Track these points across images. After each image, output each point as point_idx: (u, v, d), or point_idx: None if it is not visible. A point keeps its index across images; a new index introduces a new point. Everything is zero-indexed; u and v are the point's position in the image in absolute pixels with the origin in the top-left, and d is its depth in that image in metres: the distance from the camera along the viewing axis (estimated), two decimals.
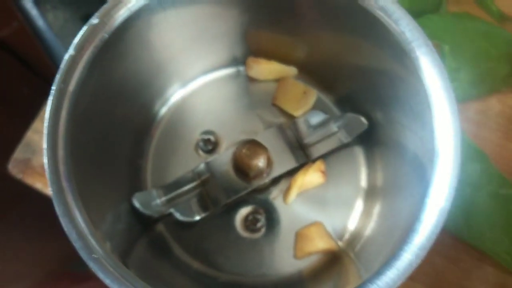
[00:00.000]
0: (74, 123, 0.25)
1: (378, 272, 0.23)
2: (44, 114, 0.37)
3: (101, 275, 0.22)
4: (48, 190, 0.36)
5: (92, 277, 0.22)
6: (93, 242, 0.23)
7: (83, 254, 0.23)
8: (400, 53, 0.26)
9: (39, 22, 0.45)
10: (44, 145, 0.24)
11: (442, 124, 0.24)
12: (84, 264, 0.23)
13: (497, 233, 0.36)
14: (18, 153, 0.38)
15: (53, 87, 0.25)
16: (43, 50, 0.46)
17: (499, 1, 0.42)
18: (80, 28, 0.25)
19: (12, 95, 0.65)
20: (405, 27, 0.25)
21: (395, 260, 0.23)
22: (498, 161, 0.38)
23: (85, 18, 0.44)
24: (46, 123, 0.24)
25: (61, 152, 0.24)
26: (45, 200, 0.69)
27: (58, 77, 0.25)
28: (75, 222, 0.23)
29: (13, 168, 0.38)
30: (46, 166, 0.24)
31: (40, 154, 0.38)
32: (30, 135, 0.39)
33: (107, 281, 0.22)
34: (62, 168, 0.24)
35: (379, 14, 0.25)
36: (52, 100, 0.25)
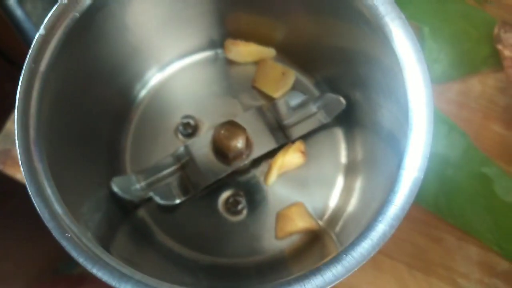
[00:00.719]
0: (46, 104, 0.25)
1: (353, 243, 0.23)
2: None
3: (74, 254, 0.22)
4: None
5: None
6: (66, 221, 0.23)
7: (56, 233, 0.23)
8: (373, 28, 0.26)
9: (17, 12, 0.44)
10: (15, 125, 0.24)
11: (416, 96, 0.24)
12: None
13: (479, 212, 0.37)
14: None
15: (24, 67, 0.25)
16: (22, 40, 0.45)
17: None
18: None
19: None
20: (378, 1, 0.25)
21: (370, 231, 0.23)
22: (480, 141, 0.38)
23: None
24: (16, 103, 0.24)
25: (32, 132, 0.24)
26: None
27: (28, 57, 0.25)
28: (48, 202, 0.23)
29: None
30: (17, 146, 0.23)
31: None
32: (9, 125, 0.38)
33: (80, 260, 0.22)
34: (33, 148, 0.24)
35: None
36: (22, 80, 0.24)
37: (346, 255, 0.22)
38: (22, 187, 0.39)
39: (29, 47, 0.45)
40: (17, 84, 0.24)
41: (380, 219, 0.23)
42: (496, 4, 0.42)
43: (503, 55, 0.38)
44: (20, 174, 0.38)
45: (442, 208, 0.37)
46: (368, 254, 0.22)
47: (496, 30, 0.39)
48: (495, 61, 0.40)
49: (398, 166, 0.24)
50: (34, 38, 0.43)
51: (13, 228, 0.77)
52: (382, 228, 0.23)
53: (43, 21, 0.43)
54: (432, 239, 0.36)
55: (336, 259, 0.22)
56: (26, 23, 0.44)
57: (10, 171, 0.38)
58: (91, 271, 0.22)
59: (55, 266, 0.96)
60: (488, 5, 0.42)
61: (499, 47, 0.38)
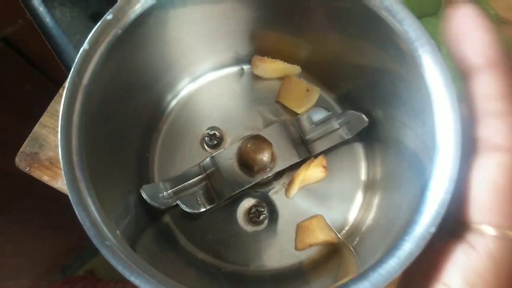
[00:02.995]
0: (87, 116, 0.26)
1: (380, 261, 0.24)
2: (51, 109, 0.39)
3: (113, 262, 0.23)
4: (55, 183, 0.37)
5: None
6: (105, 230, 0.24)
7: (96, 241, 0.24)
8: (402, 52, 0.27)
9: (46, 19, 0.45)
10: (59, 136, 0.25)
11: (443, 120, 0.25)
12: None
13: None
14: (26, 147, 0.39)
15: (68, 81, 0.26)
16: (50, 47, 0.46)
17: (496, 5, 0.43)
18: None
19: (15, 91, 0.66)
20: (409, 27, 0.26)
21: (396, 249, 0.24)
22: None
23: (93, 16, 0.45)
24: (60, 116, 0.25)
25: (74, 143, 0.25)
26: (47, 197, 0.69)
27: (72, 71, 0.26)
28: (89, 211, 0.24)
29: (20, 161, 0.39)
30: (60, 156, 0.24)
31: (47, 148, 0.39)
32: (37, 129, 0.39)
33: (119, 267, 0.23)
34: (75, 158, 0.25)
35: (384, 14, 0.26)
36: (66, 93, 0.25)
37: (374, 272, 0.23)
38: (37, 185, 0.40)
39: (56, 52, 0.46)
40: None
41: (406, 238, 0.24)
42: None
43: None
44: (46, 176, 0.39)
45: None
46: (395, 272, 0.23)
47: None
48: None
49: (423, 187, 0.25)
50: (62, 44, 0.45)
51: (25, 224, 0.78)
52: (408, 247, 0.23)
53: (71, 29, 0.45)
54: None
55: (364, 275, 0.23)
56: (55, 30, 0.45)
57: (36, 174, 0.39)
58: (129, 279, 0.23)
59: (65, 262, 0.97)
60: (505, 26, 0.43)
61: None
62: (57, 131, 0.37)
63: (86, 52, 0.26)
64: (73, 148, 0.25)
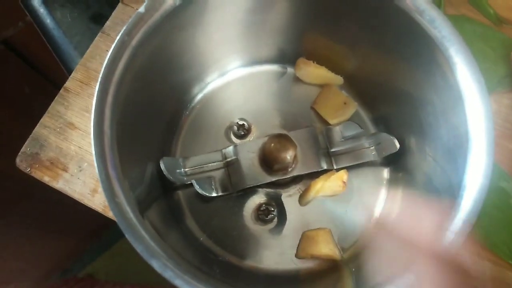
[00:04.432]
0: (128, 76, 0.27)
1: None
2: (52, 110, 0.39)
3: (119, 219, 0.24)
4: (55, 184, 0.37)
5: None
6: (118, 187, 0.25)
7: (107, 195, 0.24)
8: (450, 84, 0.27)
9: (47, 20, 0.46)
10: (96, 88, 0.25)
11: (475, 164, 0.25)
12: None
13: (496, 225, 0.37)
14: (26, 148, 0.39)
15: (117, 39, 0.26)
16: (51, 48, 0.47)
17: (495, 4, 0.43)
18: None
19: (15, 93, 0.67)
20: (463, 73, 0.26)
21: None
22: (496, 158, 0.38)
23: (94, 17, 0.45)
24: (102, 69, 0.26)
25: (110, 98, 0.26)
26: (48, 200, 0.71)
27: (123, 31, 0.26)
28: (106, 164, 0.25)
29: (21, 162, 0.38)
30: (94, 106, 0.25)
31: (48, 148, 0.38)
32: (38, 130, 0.39)
33: (122, 226, 0.24)
34: (107, 111, 0.25)
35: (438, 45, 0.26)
36: (113, 49, 0.26)
37: None
38: (37, 188, 0.39)
39: (57, 53, 0.47)
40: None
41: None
42: None
43: None
44: (47, 177, 0.38)
45: None
46: None
47: None
48: (511, 81, 0.40)
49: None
50: (62, 45, 0.46)
51: (25, 228, 0.79)
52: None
53: (72, 30, 0.46)
54: None
55: None
56: (55, 31, 0.46)
57: (37, 174, 0.38)
58: (128, 239, 0.23)
59: (65, 266, 0.99)
60: (505, 26, 0.42)
61: None
62: (57, 132, 0.38)
63: (140, 15, 0.27)
64: (107, 102, 0.26)
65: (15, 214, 0.74)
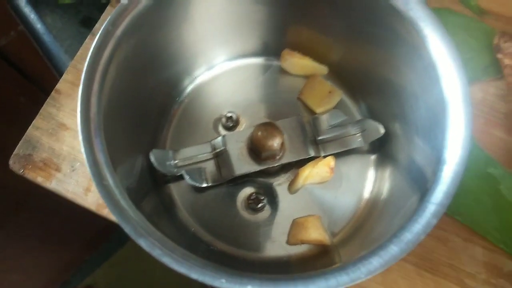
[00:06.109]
0: (114, 65, 0.27)
1: (363, 257, 0.24)
2: (44, 111, 0.39)
3: (106, 200, 0.24)
4: (49, 184, 0.37)
5: None
6: (106, 171, 0.25)
7: (95, 179, 0.24)
8: (426, 65, 0.27)
9: (38, 25, 0.47)
10: (82, 76, 0.26)
11: (453, 139, 0.25)
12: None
13: (485, 211, 0.37)
14: (19, 149, 0.39)
15: (101, 29, 0.27)
16: (42, 53, 0.48)
17: None
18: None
19: (9, 103, 0.67)
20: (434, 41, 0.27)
21: (381, 250, 0.24)
22: (483, 146, 0.39)
23: (84, 22, 0.46)
24: (88, 58, 0.26)
25: (96, 86, 0.26)
26: (45, 210, 0.70)
27: (108, 21, 0.27)
28: (93, 148, 0.25)
29: (14, 164, 0.39)
30: (79, 93, 0.26)
31: (41, 149, 0.39)
32: (30, 131, 0.40)
33: (110, 207, 0.24)
34: (93, 99, 0.26)
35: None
36: (98, 38, 0.27)
37: (354, 267, 0.23)
38: (32, 197, 0.39)
39: (49, 59, 0.48)
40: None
41: (394, 241, 0.24)
42: (494, 16, 0.43)
43: (503, 64, 0.40)
44: (40, 178, 0.38)
45: (450, 206, 0.37)
46: (375, 270, 0.23)
47: (496, 40, 0.40)
48: (496, 70, 0.41)
49: (422, 198, 0.25)
50: (53, 49, 0.47)
51: (24, 239, 0.78)
52: (394, 249, 0.23)
53: (62, 34, 0.47)
54: (439, 240, 0.37)
55: (344, 269, 0.23)
56: (46, 36, 0.47)
57: (30, 175, 0.38)
58: (116, 218, 0.24)
59: (64, 277, 0.98)
60: (487, 17, 0.44)
61: (499, 56, 0.40)
62: (50, 133, 0.39)
63: (123, 6, 0.28)
64: (93, 90, 0.26)
65: (14, 226, 0.74)
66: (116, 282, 1.05)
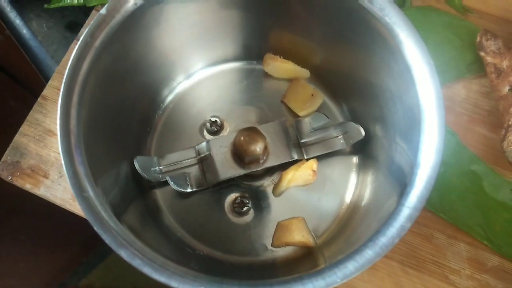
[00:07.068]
0: (93, 76, 0.28)
1: (339, 262, 0.24)
2: (30, 118, 0.39)
3: (86, 212, 0.24)
4: (37, 190, 0.38)
5: None
6: (86, 183, 0.25)
7: (75, 190, 0.25)
8: (402, 69, 0.28)
9: (23, 30, 0.47)
10: (62, 89, 0.26)
11: (429, 140, 0.26)
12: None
13: (469, 208, 0.38)
14: (7, 156, 0.39)
15: (80, 40, 0.27)
16: (28, 58, 0.48)
17: None
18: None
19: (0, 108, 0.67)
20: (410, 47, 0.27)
21: (357, 254, 0.24)
22: (466, 143, 0.40)
23: (69, 26, 0.47)
24: (67, 69, 0.27)
25: (75, 98, 0.27)
26: (39, 215, 0.70)
27: (86, 32, 0.27)
28: (73, 161, 0.25)
29: (2, 171, 0.39)
30: (59, 105, 0.26)
31: (28, 156, 0.39)
32: (18, 138, 0.40)
33: (91, 219, 0.24)
34: (73, 111, 0.26)
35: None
36: (77, 49, 0.27)
37: (329, 271, 0.24)
38: (24, 203, 0.39)
39: (35, 64, 0.48)
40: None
41: (369, 245, 0.24)
42: (477, 14, 0.44)
43: (486, 61, 0.40)
44: (29, 184, 0.39)
45: (434, 204, 0.38)
46: (350, 275, 0.24)
47: (478, 38, 0.41)
48: (479, 67, 0.42)
49: (398, 202, 0.26)
50: (39, 54, 0.47)
51: (18, 244, 0.78)
52: (369, 254, 0.24)
53: (48, 39, 0.47)
54: (423, 237, 0.37)
55: (320, 273, 0.24)
56: (32, 41, 0.47)
57: (18, 182, 0.39)
58: (97, 231, 0.24)
59: (60, 280, 0.98)
60: (470, 15, 0.44)
61: (482, 54, 0.40)
62: (37, 139, 0.39)
63: (102, 16, 0.28)
64: (73, 102, 0.27)
65: (8, 231, 0.74)
66: (112, 282, 1.05)
